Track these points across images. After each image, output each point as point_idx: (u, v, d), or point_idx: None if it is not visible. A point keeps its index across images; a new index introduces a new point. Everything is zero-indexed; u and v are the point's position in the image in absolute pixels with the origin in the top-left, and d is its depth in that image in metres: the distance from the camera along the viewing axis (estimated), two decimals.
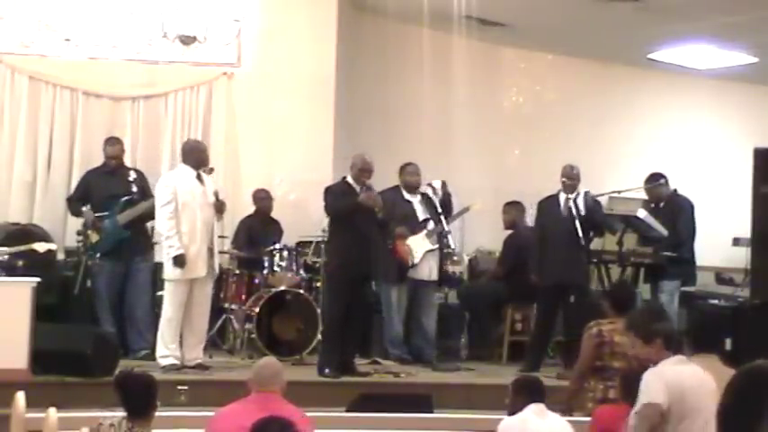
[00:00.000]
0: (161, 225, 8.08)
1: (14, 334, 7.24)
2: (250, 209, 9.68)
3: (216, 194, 8.16)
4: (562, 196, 8.83)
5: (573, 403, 6.21)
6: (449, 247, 8.96)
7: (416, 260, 8.86)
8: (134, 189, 8.56)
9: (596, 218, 8.80)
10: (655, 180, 9.46)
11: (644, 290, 9.73)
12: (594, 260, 9.41)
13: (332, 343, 8.21)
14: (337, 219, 8.31)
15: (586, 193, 8.75)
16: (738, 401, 3.21)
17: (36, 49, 9.72)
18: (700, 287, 10.34)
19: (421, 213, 8.98)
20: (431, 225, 8.90)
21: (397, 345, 9.01)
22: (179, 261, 7.89)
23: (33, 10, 9.68)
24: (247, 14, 10.13)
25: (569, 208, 8.68)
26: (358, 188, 8.20)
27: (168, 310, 7.98)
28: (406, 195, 9.04)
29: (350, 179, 8.28)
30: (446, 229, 8.83)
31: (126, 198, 8.54)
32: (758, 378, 3.29)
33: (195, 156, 8.17)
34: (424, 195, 9.04)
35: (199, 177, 8.10)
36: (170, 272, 7.96)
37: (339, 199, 8.20)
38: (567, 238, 8.65)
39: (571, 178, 8.79)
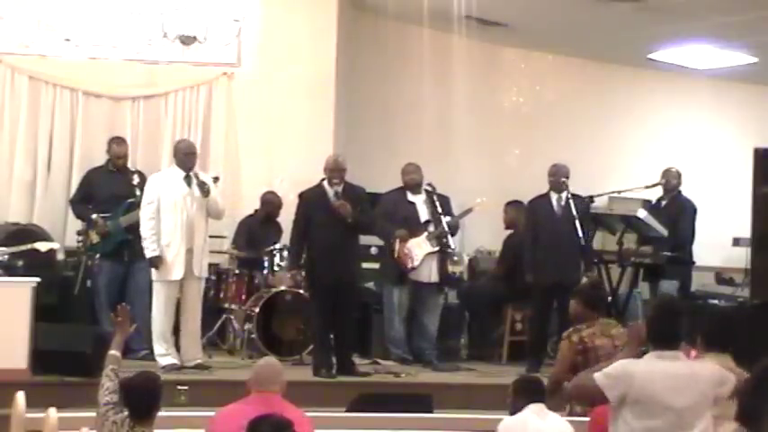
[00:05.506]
0: (142, 226, 8.14)
1: (14, 334, 7.26)
2: (250, 209, 9.68)
3: (196, 175, 8.12)
4: (553, 195, 8.86)
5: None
6: (449, 247, 8.93)
7: (416, 263, 8.83)
8: (137, 192, 8.55)
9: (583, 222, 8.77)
10: (670, 173, 9.47)
11: (643, 290, 9.74)
12: (595, 260, 9.41)
13: (320, 345, 8.27)
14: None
15: (575, 196, 8.77)
16: (756, 389, 3.30)
17: (36, 49, 9.71)
18: (700, 287, 10.34)
19: (424, 214, 8.92)
20: (431, 227, 8.86)
21: (397, 344, 9.00)
22: (153, 263, 8.04)
23: (33, 10, 9.67)
24: (247, 14, 10.12)
25: (563, 207, 8.72)
26: (331, 191, 8.20)
27: (155, 311, 8.09)
28: (410, 197, 9.00)
29: (325, 182, 8.27)
30: (445, 229, 8.80)
31: (129, 201, 8.55)
32: None
33: (178, 157, 8.25)
34: (429, 194, 8.97)
35: (187, 178, 8.11)
36: (154, 273, 8.11)
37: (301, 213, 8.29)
38: (560, 237, 8.67)
39: (559, 175, 8.82)
